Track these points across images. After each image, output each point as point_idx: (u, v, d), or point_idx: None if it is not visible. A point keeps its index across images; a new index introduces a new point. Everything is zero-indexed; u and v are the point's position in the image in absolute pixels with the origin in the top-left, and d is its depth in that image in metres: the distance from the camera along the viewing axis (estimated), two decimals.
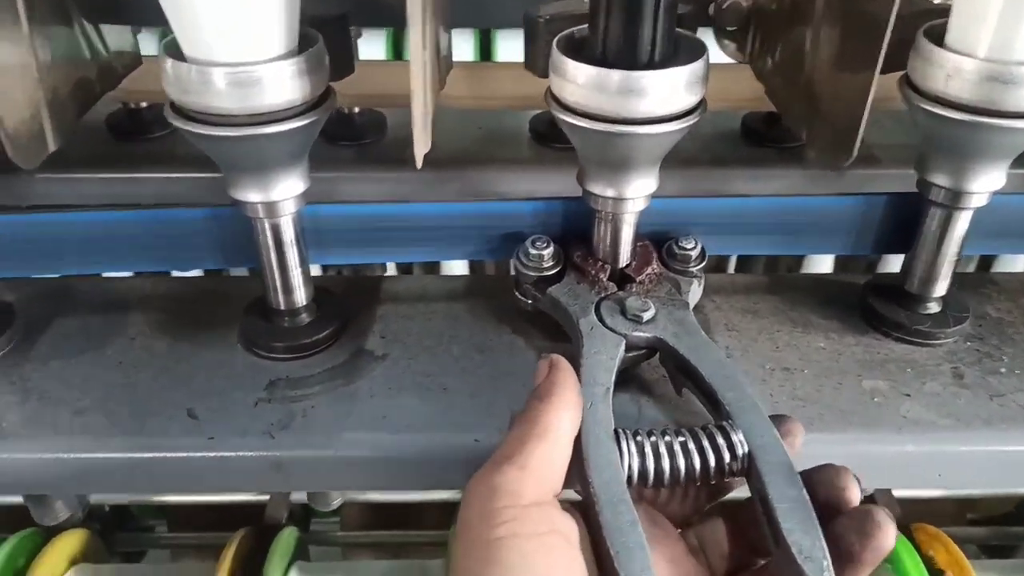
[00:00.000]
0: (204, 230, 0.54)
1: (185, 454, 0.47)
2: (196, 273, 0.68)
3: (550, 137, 0.75)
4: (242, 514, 0.86)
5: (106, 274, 0.62)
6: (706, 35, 0.54)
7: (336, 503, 0.78)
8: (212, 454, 0.47)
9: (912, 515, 0.67)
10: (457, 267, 1.02)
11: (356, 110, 0.78)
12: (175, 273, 0.65)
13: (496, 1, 0.58)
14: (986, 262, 0.95)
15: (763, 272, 1.05)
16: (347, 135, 0.77)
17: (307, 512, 0.85)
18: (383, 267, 1.01)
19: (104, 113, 0.76)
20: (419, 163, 0.44)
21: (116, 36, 0.56)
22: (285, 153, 0.47)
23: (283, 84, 0.43)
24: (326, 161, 0.73)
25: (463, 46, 1.36)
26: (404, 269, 1.08)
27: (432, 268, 1.07)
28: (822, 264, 1.01)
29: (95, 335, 0.55)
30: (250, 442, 0.47)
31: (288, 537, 0.64)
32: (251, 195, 0.48)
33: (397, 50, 0.95)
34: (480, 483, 0.36)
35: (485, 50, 1.15)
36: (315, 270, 0.60)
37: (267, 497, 0.78)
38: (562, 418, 0.39)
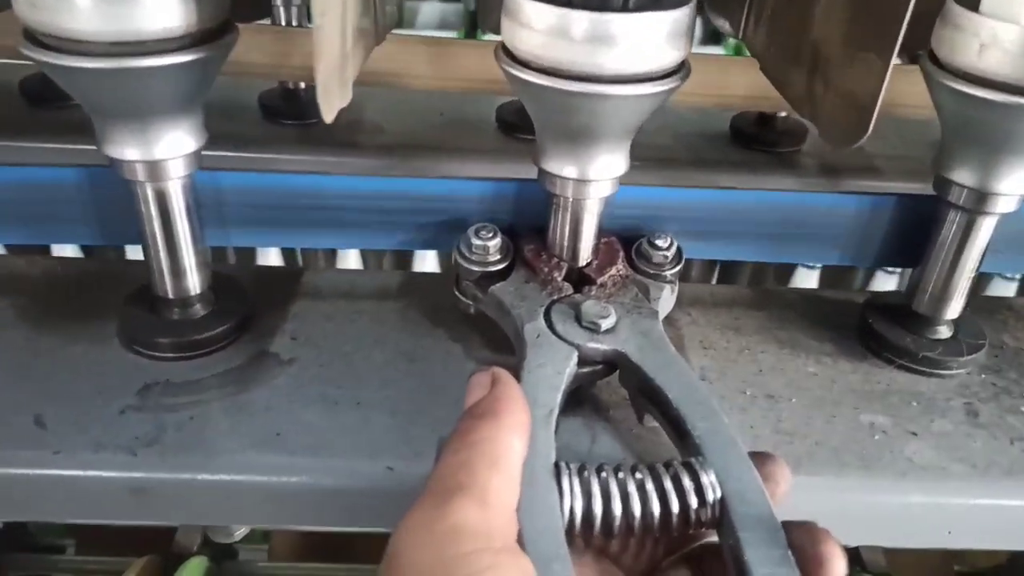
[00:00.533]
0: (76, 196, 0.44)
1: (23, 470, 0.38)
2: (78, 252, 0.59)
3: (519, 127, 0.67)
4: (162, 537, 0.77)
5: None
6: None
7: (240, 533, 0.68)
8: (56, 472, 0.38)
9: (896, 566, 0.60)
10: (430, 260, 0.92)
11: (302, 86, 0.70)
12: (56, 251, 0.55)
13: None
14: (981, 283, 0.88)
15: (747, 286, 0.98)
16: (290, 113, 0.69)
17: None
18: (331, 255, 0.92)
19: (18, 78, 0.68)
20: (328, 117, 0.35)
21: None
22: (168, 98, 0.38)
23: (159, 4, 0.34)
24: (264, 140, 0.65)
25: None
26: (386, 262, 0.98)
27: (404, 262, 0.97)
28: (807, 281, 0.93)
29: None
30: (104, 459, 0.38)
31: (195, 568, 0.54)
32: (128, 151, 0.39)
33: None
34: (429, 522, 0.27)
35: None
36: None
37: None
38: (513, 443, 0.31)
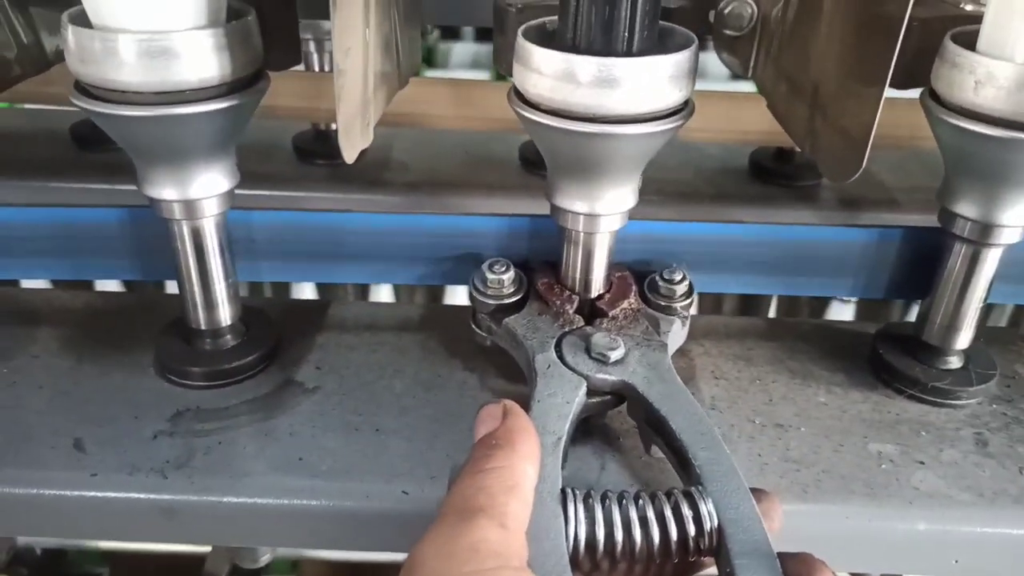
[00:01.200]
0: (118, 234, 0.47)
1: (60, 491, 0.40)
2: (119, 286, 0.62)
3: (541, 164, 0.69)
4: (192, 564, 0.79)
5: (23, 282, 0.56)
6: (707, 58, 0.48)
7: (265, 559, 0.69)
8: (92, 493, 0.40)
9: None
10: (460, 293, 0.95)
11: (333, 127, 0.73)
12: (99, 286, 0.58)
13: None
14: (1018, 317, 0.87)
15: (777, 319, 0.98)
16: (322, 153, 0.72)
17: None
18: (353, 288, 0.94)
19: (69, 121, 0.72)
20: (350, 158, 0.37)
21: (50, 21, 0.51)
22: (204, 142, 0.40)
23: (199, 57, 0.37)
24: (296, 179, 0.68)
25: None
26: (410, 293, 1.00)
27: (435, 295, 0.99)
28: (842, 314, 0.93)
29: None
30: (138, 481, 0.40)
31: None
32: (166, 192, 0.42)
33: None
34: (451, 539, 0.29)
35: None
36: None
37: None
38: (527, 471, 0.32)
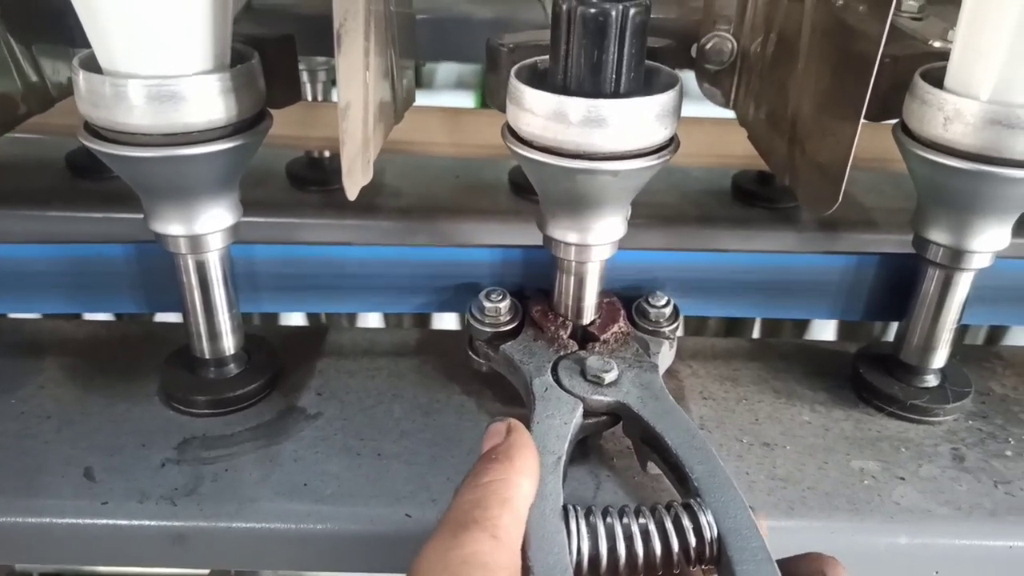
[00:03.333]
0: (124, 269, 0.49)
1: (73, 520, 0.41)
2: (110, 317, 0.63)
3: (529, 189, 0.71)
4: None
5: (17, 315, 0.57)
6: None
7: None
8: (104, 521, 0.41)
9: None
10: (448, 318, 0.97)
11: (326, 154, 0.75)
12: (86, 315, 0.59)
13: (465, 32, 0.55)
14: (994, 335, 0.90)
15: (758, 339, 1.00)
16: (315, 180, 0.73)
17: None
18: (350, 317, 0.96)
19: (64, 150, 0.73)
20: (352, 195, 0.39)
21: (53, 58, 0.52)
22: (209, 180, 0.42)
23: (204, 100, 0.38)
24: (291, 206, 0.70)
25: (464, 101, 1.34)
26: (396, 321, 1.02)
27: (422, 319, 1.01)
28: (823, 334, 0.95)
29: (2, 380, 0.50)
30: (148, 509, 0.41)
31: None
32: (172, 227, 0.43)
33: None
34: (444, 551, 0.30)
35: (486, 106, 1.12)
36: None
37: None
38: (523, 485, 0.34)
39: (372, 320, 0.98)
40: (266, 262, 0.49)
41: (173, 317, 0.51)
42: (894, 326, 0.50)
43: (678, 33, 0.51)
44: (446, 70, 1.78)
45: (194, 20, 0.37)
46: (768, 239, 0.68)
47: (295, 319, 0.95)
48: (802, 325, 0.99)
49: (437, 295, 0.50)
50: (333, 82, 0.77)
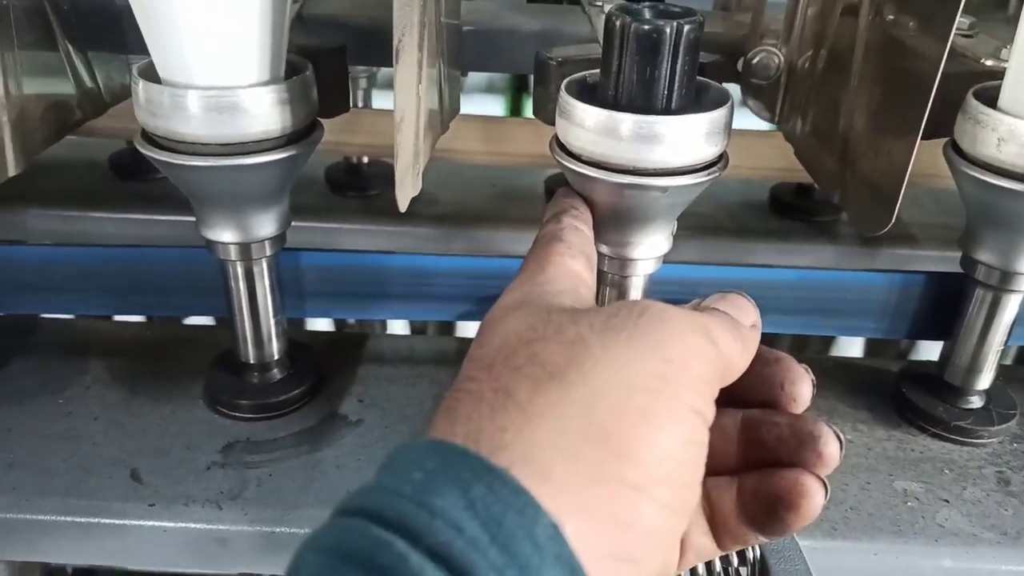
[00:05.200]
0: (175, 272, 0.49)
1: (120, 521, 0.42)
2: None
3: None
4: None
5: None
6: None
7: None
8: (150, 523, 0.42)
9: None
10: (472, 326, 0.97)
11: (365, 160, 0.76)
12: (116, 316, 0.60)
13: (511, 44, 0.55)
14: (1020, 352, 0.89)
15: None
16: (354, 185, 0.74)
17: None
18: (383, 324, 0.96)
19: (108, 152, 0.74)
20: (403, 207, 0.39)
21: (106, 64, 0.53)
22: (262, 189, 0.42)
23: (260, 112, 0.39)
24: (330, 211, 0.70)
25: (495, 110, 1.34)
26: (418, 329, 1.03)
27: (447, 326, 1.01)
28: (850, 349, 0.95)
29: (50, 380, 0.51)
30: (194, 512, 0.42)
31: None
32: (224, 235, 0.44)
33: None
34: (527, 280, 0.31)
35: (515, 111, 1.12)
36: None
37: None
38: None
39: (397, 327, 0.99)
40: (311, 268, 0.50)
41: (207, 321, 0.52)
42: (921, 343, 0.50)
43: (724, 47, 0.51)
44: (477, 75, 1.79)
45: (253, 33, 0.38)
46: (806, 252, 0.68)
47: (320, 324, 0.95)
48: (828, 339, 0.98)
49: (480, 304, 0.50)
50: (373, 88, 0.78)
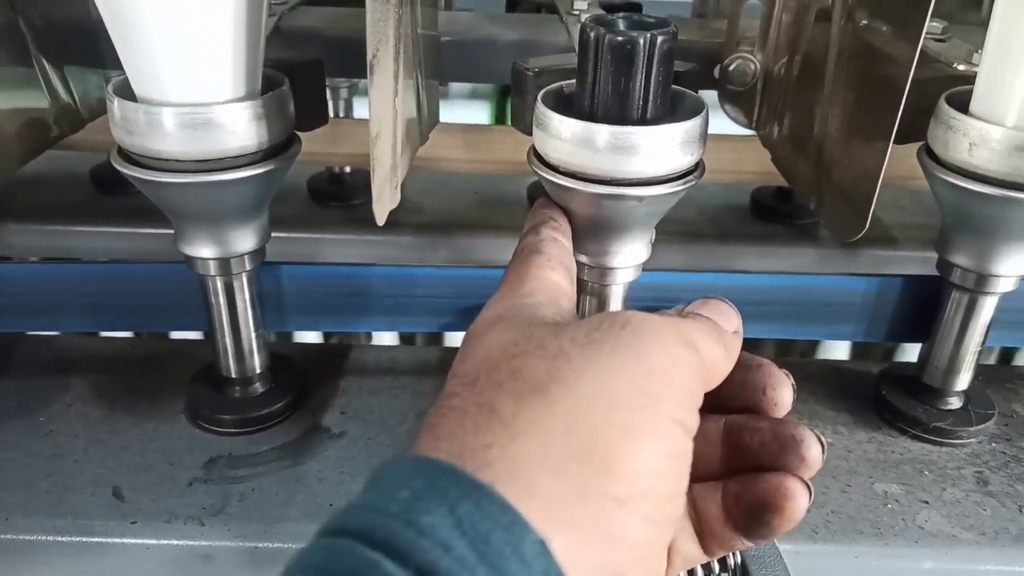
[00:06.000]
0: (159, 288, 0.49)
1: (103, 539, 0.42)
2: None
3: None
4: None
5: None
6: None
7: None
8: (133, 540, 0.41)
9: None
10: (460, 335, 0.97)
11: (347, 170, 0.75)
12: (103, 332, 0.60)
13: (490, 54, 0.55)
14: (1006, 353, 0.90)
15: (773, 357, 1.00)
16: (337, 195, 0.74)
17: None
18: (368, 335, 0.96)
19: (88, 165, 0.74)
20: (381, 220, 0.39)
21: (83, 79, 0.53)
22: (240, 204, 0.42)
23: (236, 128, 0.39)
24: (313, 221, 0.70)
25: (479, 115, 1.34)
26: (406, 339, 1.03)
27: (436, 336, 1.01)
28: (836, 351, 0.95)
29: (30, 398, 0.50)
30: (176, 528, 0.42)
31: None
32: (203, 250, 0.44)
33: None
34: (506, 294, 0.31)
35: (501, 117, 1.12)
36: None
37: None
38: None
39: (386, 338, 0.99)
40: (292, 281, 0.50)
41: (191, 335, 0.51)
42: (907, 344, 0.50)
43: (701, 54, 0.51)
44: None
45: (227, 50, 0.38)
46: (788, 256, 0.68)
47: (308, 336, 0.95)
48: (814, 341, 0.99)
49: (462, 315, 0.51)
50: (354, 98, 0.78)
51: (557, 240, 0.36)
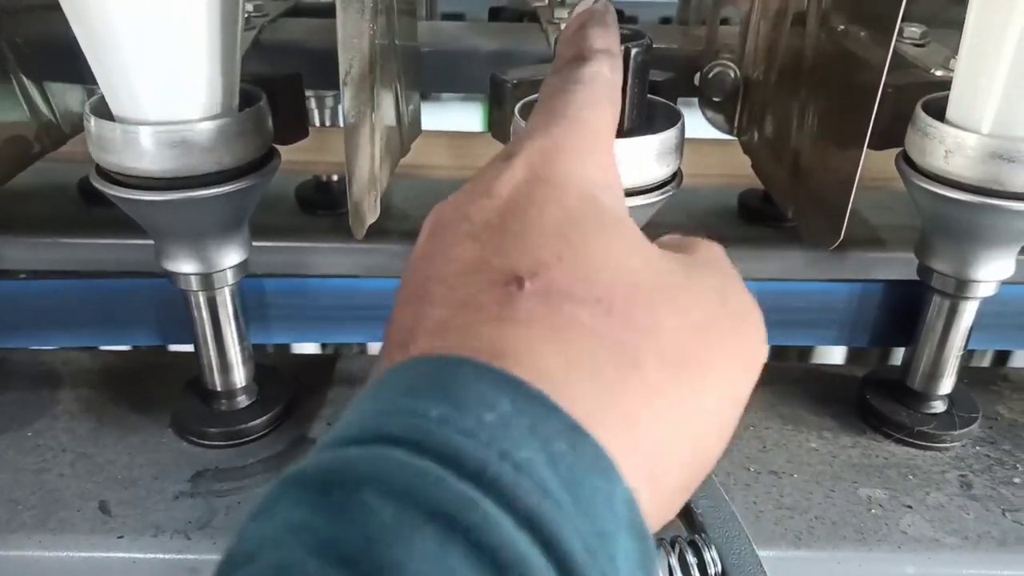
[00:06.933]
0: (138, 303, 0.50)
1: (90, 554, 0.42)
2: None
3: None
4: None
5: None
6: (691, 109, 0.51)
7: None
8: (120, 555, 0.42)
9: None
10: None
11: (335, 178, 0.76)
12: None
13: (472, 64, 0.55)
14: (1002, 356, 0.90)
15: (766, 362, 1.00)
16: (324, 203, 0.74)
17: None
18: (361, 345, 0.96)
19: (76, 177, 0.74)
20: (359, 235, 0.40)
21: (64, 95, 0.53)
22: (219, 220, 0.43)
23: (214, 145, 0.39)
24: (299, 230, 0.70)
25: (471, 118, 1.34)
26: None
27: None
28: (831, 354, 0.95)
29: (17, 413, 0.51)
30: (162, 543, 0.42)
31: None
32: (184, 266, 0.44)
33: None
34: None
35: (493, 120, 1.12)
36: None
37: None
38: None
39: (377, 347, 0.99)
40: (276, 294, 0.50)
41: (186, 347, 0.52)
42: (901, 348, 0.50)
43: (681, 62, 0.51)
44: None
45: (203, 69, 0.38)
46: (775, 258, 0.68)
47: (306, 347, 0.95)
48: (809, 346, 0.99)
49: None
50: (339, 106, 0.78)
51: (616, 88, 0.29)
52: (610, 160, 0.26)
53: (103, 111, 0.40)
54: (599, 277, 0.21)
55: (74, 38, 0.37)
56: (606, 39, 0.30)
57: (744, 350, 0.25)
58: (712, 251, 0.29)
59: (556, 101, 0.26)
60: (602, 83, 0.28)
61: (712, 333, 0.23)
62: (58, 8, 0.36)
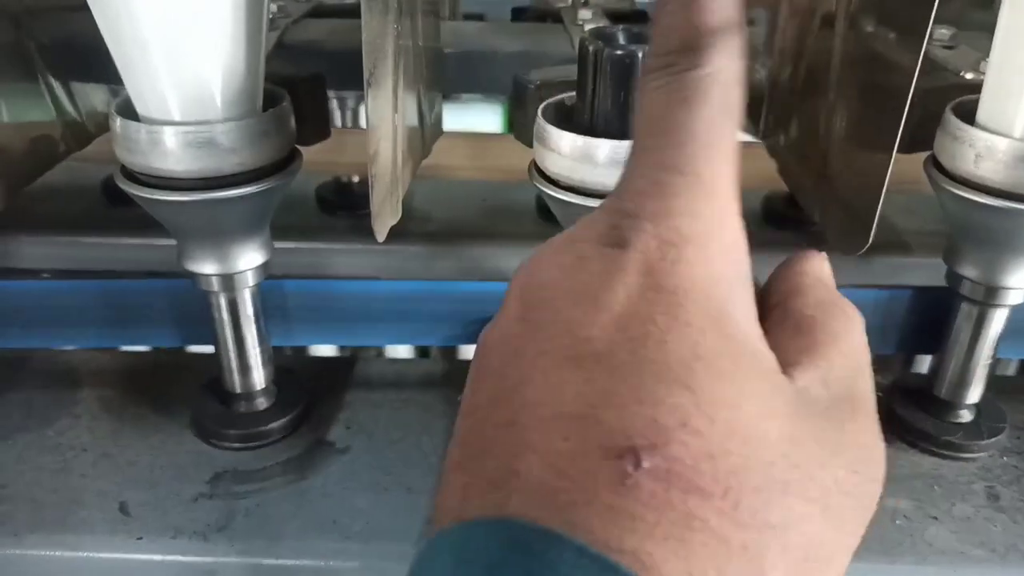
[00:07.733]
0: (158, 303, 0.50)
1: (109, 555, 0.42)
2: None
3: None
4: None
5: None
6: None
7: None
8: (139, 556, 0.42)
9: None
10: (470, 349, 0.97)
11: (355, 179, 0.76)
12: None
13: (495, 65, 0.55)
14: None
15: None
16: (345, 204, 0.74)
17: None
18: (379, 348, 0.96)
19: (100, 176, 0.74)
20: (381, 237, 0.39)
21: (89, 95, 0.54)
22: (241, 221, 0.42)
23: (237, 145, 0.39)
24: (320, 231, 0.70)
25: (492, 115, 1.34)
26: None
27: (451, 350, 1.01)
28: None
29: (38, 413, 0.51)
30: (181, 544, 0.42)
31: None
32: (206, 267, 0.44)
33: None
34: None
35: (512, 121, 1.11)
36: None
37: None
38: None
39: (400, 349, 0.99)
40: (297, 295, 0.50)
41: (205, 348, 0.52)
42: (923, 355, 0.49)
43: None
44: None
45: (229, 70, 0.38)
46: None
47: (323, 349, 0.95)
48: None
49: (467, 328, 0.51)
50: (361, 107, 0.78)
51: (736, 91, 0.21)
52: (735, 224, 0.21)
53: (129, 111, 0.40)
54: (728, 458, 0.18)
55: (101, 39, 0.37)
56: (724, 6, 0.20)
57: (867, 519, 0.21)
58: (853, 356, 0.23)
59: (666, 138, 0.21)
60: (721, 91, 0.20)
61: (846, 516, 0.20)
62: (85, 9, 0.36)
